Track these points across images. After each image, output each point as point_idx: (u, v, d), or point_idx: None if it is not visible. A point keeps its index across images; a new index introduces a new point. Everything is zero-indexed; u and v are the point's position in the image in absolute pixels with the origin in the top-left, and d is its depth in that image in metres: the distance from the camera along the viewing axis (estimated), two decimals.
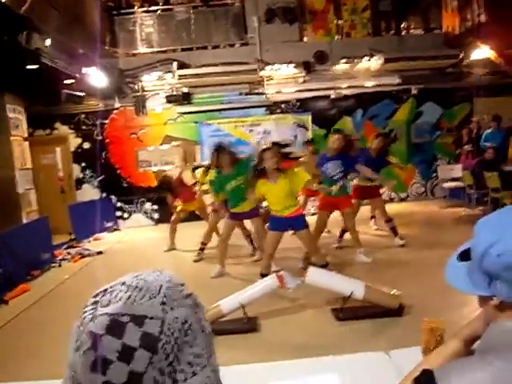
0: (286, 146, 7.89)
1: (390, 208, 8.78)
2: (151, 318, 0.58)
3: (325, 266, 5.04)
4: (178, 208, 7.63)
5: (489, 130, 9.25)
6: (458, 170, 9.43)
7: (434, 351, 1.21)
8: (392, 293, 4.13)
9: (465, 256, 1.00)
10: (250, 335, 4.02)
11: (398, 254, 6.21)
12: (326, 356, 1.79)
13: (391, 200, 10.24)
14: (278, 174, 4.92)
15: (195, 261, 6.73)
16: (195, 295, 0.68)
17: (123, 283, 0.62)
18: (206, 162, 9.36)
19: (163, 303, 0.61)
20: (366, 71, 9.89)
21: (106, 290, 0.62)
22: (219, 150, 5.78)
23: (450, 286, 1.01)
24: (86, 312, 0.60)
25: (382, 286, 4.28)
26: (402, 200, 10.47)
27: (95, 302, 0.61)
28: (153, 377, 0.57)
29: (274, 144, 6.61)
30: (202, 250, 6.83)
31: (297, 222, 5.02)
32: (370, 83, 10.10)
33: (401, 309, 4.09)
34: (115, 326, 0.57)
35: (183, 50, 9.87)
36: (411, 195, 10.56)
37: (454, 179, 9.51)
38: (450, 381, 0.83)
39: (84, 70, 7.76)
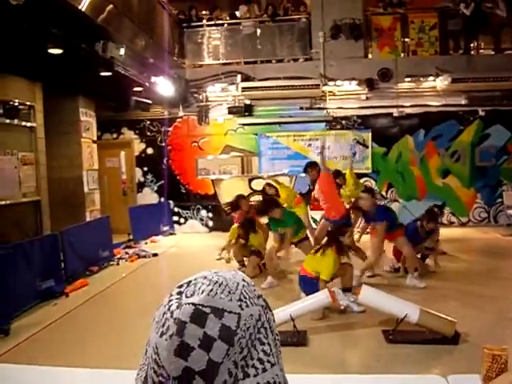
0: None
1: (450, 232, 8.52)
2: (230, 312, 0.63)
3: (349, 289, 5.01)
4: None
5: None
6: None
7: (498, 378, 1.18)
8: (448, 319, 3.99)
9: None
10: (298, 349, 4.00)
11: (453, 282, 5.97)
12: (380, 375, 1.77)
13: (451, 224, 9.89)
14: None
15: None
16: (265, 298, 0.71)
17: (205, 277, 0.67)
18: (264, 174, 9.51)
19: (240, 300, 0.65)
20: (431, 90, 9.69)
21: (190, 281, 0.67)
22: None
23: None
24: (171, 300, 0.65)
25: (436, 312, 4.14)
26: (463, 225, 10.07)
27: (180, 293, 0.65)
28: (228, 368, 0.61)
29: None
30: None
31: None
32: (435, 103, 9.86)
33: (457, 336, 3.93)
34: (198, 316, 0.61)
35: (248, 62, 10.07)
36: (472, 220, 10.14)
37: None
38: None
39: (153, 78, 8.09)
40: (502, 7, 9.42)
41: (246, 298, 0.66)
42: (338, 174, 7.46)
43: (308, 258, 5.18)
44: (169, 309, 0.64)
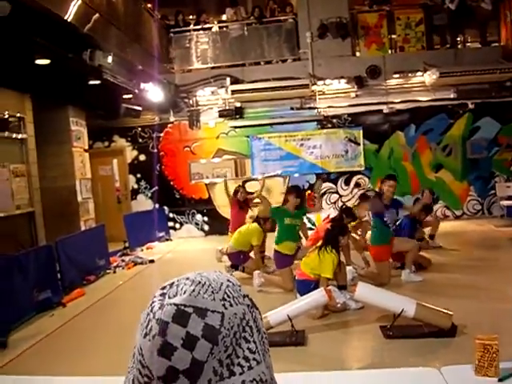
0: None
1: (445, 226, 8.55)
2: (213, 312, 0.64)
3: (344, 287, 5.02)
4: None
5: None
6: None
7: None
8: (444, 312, 4.01)
9: None
10: (296, 348, 4.01)
11: (449, 275, 6.00)
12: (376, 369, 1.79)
13: (445, 217, 9.94)
14: None
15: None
16: (251, 297, 0.72)
17: (187, 278, 0.68)
18: (256, 176, 9.51)
19: (224, 299, 0.66)
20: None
21: (172, 283, 0.68)
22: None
23: None
24: (154, 302, 0.66)
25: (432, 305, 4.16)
26: (457, 218, 10.13)
27: (163, 294, 0.67)
28: (212, 367, 0.62)
29: None
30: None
31: None
32: (424, 98, 9.92)
33: (453, 329, 3.95)
34: (181, 316, 0.62)
35: (236, 65, 10.09)
36: (467, 213, 10.20)
37: (510, 197, 9.11)
38: None
39: (142, 85, 8.09)
40: (487, 1, 9.49)
41: (229, 297, 0.67)
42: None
43: (305, 261, 5.16)
44: (151, 310, 0.65)
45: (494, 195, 9.97)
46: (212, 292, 0.66)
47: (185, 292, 0.65)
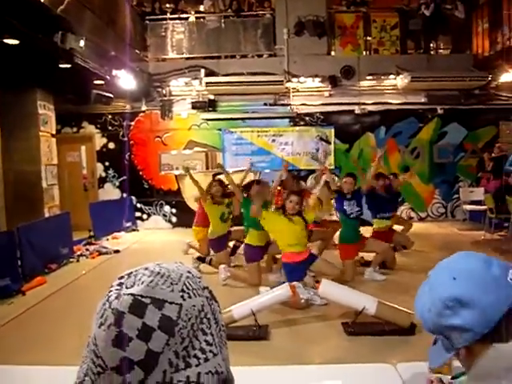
0: None
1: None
2: (170, 303, 0.63)
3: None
4: None
5: None
6: (479, 193, 9.31)
7: None
8: (405, 311, 4.11)
9: None
10: (259, 343, 4.03)
11: (411, 275, 6.11)
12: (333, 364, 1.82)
13: (410, 219, 10.15)
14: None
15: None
16: (211, 290, 0.72)
17: (146, 268, 0.67)
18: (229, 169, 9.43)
19: (182, 290, 0.65)
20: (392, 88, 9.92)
21: (130, 273, 0.67)
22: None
23: None
24: (111, 291, 0.65)
25: (394, 304, 4.26)
26: (422, 219, 10.37)
27: (120, 284, 0.65)
28: (168, 358, 0.61)
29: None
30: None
31: None
32: (395, 100, 10.09)
33: (413, 327, 4.05)
34: (137, 306, 0.61)
35: (212, 57, 10.02)
36: (431, 215, 10.45)
37: (474, 202, 9.39)
38: None
39: (114, 72, 7.94)
40: (460, 9, 9.72)
41: (188, 289, 0.66)
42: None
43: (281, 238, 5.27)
44: (108, 300, 0.64)
45: (457, 199, 10.24)
46: (171, 283, 0.65)
47: (143, 282, 0.64)
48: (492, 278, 0.93)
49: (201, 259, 6.53)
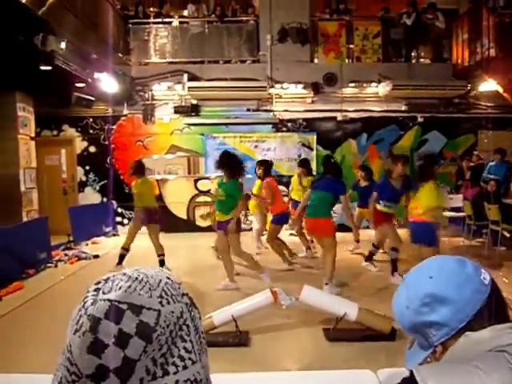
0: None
1: None
2: (148, 309, 0.61)
3: None
4: None
5: (492, 163, 9.26)
6: (458, 200, 9.43)
7: None
8: (385, 317, 4.13)
9: None
10: (239, 349, 4.01)
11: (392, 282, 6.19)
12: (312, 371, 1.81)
13: None
14: None
15: None
16: (191, 296, 0.71)
17: (124, 274, 0.66)
18: (210, 174, 9.39)
19: (161, 296, 0.63)
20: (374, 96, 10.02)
21: (108, 278, 0.65)
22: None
23: None
24: (87, 297, 0.63)
25: (376, 310, 4.28)
26: (402, 226, 10.44)
27: (97, 289, 0.63)
28: (145, 366, 0.60)
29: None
30: None
31: None
32: (377, 108, 10.20)
33: (393, 333, 4.07)
34: (114, 312, 0.60)
35: (195, 62, 10.00)
36: None
37: (453, 209, 9.51)
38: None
39: (96, 75, 7.87)
40: (441, 19, 9.90)
41: (167, 294, 0.65)
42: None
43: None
44: (84, 305, 0.62)
45: None
46: (149, 289, 0.64)
47: (120, 288, 0.62)
48: (466, 276, 0.97)
49: None
